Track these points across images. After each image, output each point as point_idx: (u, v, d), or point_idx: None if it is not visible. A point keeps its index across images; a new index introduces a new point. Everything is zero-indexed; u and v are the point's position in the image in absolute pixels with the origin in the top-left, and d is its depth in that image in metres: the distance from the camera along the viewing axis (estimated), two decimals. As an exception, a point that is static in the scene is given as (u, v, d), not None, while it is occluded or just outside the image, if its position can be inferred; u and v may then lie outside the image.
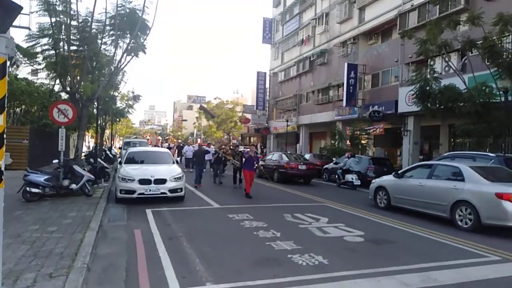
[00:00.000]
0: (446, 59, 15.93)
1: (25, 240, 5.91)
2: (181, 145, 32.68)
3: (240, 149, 17.52)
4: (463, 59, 17.43)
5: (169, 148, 28.97)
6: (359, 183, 16.05)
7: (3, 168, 3.21)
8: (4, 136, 3.18)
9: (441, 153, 19.48)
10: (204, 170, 16.74)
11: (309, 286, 4.56)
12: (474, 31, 14.61)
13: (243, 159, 13.25)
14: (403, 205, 10.14)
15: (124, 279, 4.73)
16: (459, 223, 8.38)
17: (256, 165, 12.75)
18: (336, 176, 17.40)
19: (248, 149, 13.95)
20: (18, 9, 3.05)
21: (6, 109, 3.19)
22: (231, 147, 19.50)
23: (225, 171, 17.02)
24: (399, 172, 10.92)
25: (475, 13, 14.00)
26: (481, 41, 13.85)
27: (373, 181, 11.93)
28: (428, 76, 15.42)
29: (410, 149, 21.85)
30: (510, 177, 8.82)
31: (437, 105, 15.10)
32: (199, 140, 68.37)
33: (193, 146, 27.77)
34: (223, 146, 18.54)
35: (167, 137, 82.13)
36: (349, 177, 16.40)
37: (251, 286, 4.53)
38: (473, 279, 5.04)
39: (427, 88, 14.98)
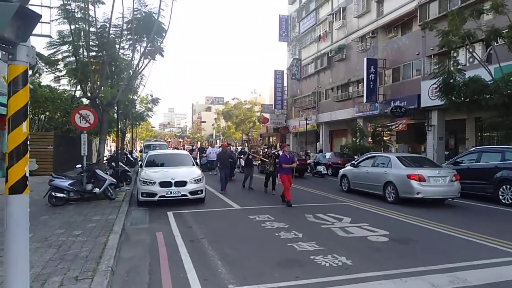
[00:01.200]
0: (470, 50, 15.45)
1: (51, 244, 6.03)
2: (204, 146, 32.71)
3: (273, 151, 15.12)
4: (488, 49, 16.84)
5: (191, 150, 28.91)
6: (327, 173, 20.74)
7: (27, 174, 3.25)
8: (28, 142, 3.23)
9: (468, 147, 18.89)
10: (233, 176, 16.36)
11: (332, 287, 4.45)
12: (498, 20, 14.12)
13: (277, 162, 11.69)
14: (358, 188, 13.06)
15: (147, 282, 4.75)
16: (388, 198, 11.25)
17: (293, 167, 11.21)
18: (309, 169, 21.83)
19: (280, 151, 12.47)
20: (37, 17, 3.08)
21: (29, 116, 3.24)
22: (265, 148, 16.71)
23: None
24: (355, 162, 14.16)
25: (498, 1, 13.49)
26: (506, 30, 13.36)
27: (340, 170, 15.09)
28: (452, 68, 14.98)
29: (434, 144, 21.29)
30: (428, 164, 11.69)
31: (462, 98, 14.67)
32: (218, 142, 68.59)
33: (216, 148, 27.64)
34: (256, 147, 16.62)
35: (193, 140, 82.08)
36: (319, 168, 20.67)
37: (273, 288, 4.46)
38: (504, 279, 4.82)
39: (451, 80, 14.56)
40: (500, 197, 10.91)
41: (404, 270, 5.08)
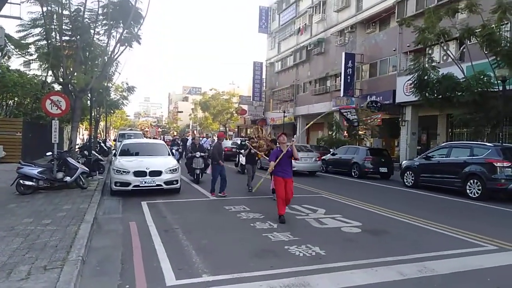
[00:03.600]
0: (445, 47, 15.87)
1: (19, 233, 5.82)
2: (183, 138, 30.03)
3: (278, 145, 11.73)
4: (462, 48, 17.37)
5: (174, 141, 26.98)
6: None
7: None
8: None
9: (439, 143, 19.50)
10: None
11: (306, 277, 4.51)
12: (472, 19, 14.53)
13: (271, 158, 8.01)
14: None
15: (119, 272, 4.66)
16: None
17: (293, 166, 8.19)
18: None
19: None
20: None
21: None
22: (268, 140, 12.06)
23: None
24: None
25: (473, 0, 13.87)
26: (479, 29, 13.76)
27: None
28: (426, 65, 15.37)
29: (408, 139, 21.86)
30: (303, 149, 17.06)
31: (435, 95, 15.09)
32: (196, 133, 67.66)
33: (209, 139, 25.68)
34: (256, 139, 12.24)
35: (186, 131, 77.26)
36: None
37: (248, 277, 4.47)
38: (469, 268, 5.02)
39: (425, 77, 14.94)
40: (468, 191, 11.34)
41: (375, 260, 5.20)
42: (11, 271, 4.27)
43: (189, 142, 22.61)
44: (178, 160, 14.97)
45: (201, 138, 23.50)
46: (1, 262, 4.49)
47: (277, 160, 7.48)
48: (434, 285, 4.42)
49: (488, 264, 5.19)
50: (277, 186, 7.54)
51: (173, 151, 18.61)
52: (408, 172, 13.98)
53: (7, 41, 13.47)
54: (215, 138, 30.53)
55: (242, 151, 15.23)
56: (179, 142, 26.03)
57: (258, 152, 11.53)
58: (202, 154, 13.17)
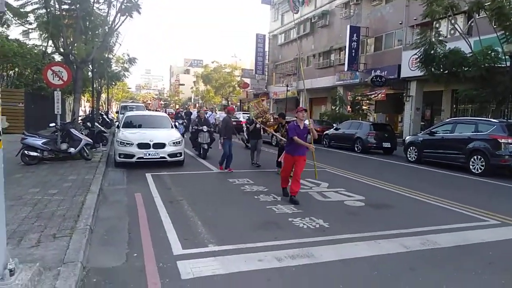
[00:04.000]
0: (452, 21, 15.48)
1: (26, 202, 5.89)
2: (187, 111, 28.58)
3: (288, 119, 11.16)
4: (470, 22, 16.97)
5: (178, 112, 26.11)
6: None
7: (0, 129, 3.09)
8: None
9: (443, 119, 19.39)
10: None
11: (310, 248, 4.58)
12: (483, -8, 14.07)
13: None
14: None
15: (127, 241, 4.74)
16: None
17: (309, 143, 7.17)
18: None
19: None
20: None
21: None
22: (274, 116, 11.95)
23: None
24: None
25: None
26: (489, 3, 13.37)
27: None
28: (433, 39, 15.04)
29: (411, 115, 21.74)
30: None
31: (441, 70, 14.86)
32: (195, 106, 67.19)
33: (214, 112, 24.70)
34: (262, 114, 11.54)
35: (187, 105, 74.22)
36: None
37: (253, 248, 4.55)
38: (472, 242, 5.09)
39: (432, 51, 14.66)
40: (471, 166, 11.36)
41: (378, 233, 5.27)
42: (21, 239, 4.35)
43: (193, 116, 21.98)
44: (183, 134, 14.85)
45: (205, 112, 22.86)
46: (11, 230, 4.56)
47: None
48: (437, 258, 4.49)
49: (490, 238, 5.26)
50: (285, 162, 7.32)
51: (177, 124, 17.74)
52: (411, 148, 13.96)
53: (5, 9, 13.15)
54: (217, 112, 29.88)
55: (248, 125, 13.69)
56: (183, 115, 24.87)
57: (266, 127, 10.95)
58: (208, 128, 12.61)
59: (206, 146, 12.47)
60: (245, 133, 15.67)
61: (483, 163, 11.03)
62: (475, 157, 11.30)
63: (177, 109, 39.59)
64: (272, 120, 11.39)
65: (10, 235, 4.40)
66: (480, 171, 11.09)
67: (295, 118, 7.26)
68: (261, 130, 11.40)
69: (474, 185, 9.91)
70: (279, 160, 8.20)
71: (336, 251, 4.55)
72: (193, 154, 13.42)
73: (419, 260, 4.41)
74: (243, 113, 28.56)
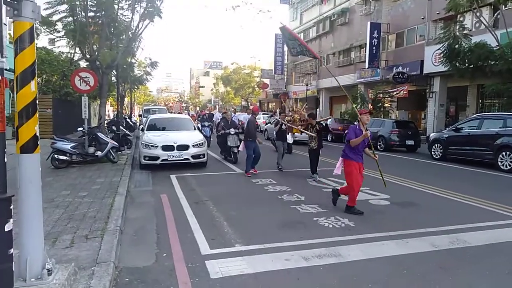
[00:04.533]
0: (477, 14, 15.05)
1: (58, 205, 6.12)
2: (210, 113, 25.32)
3: (318, 119, 10.66)
4: (496, 14, 16.44)
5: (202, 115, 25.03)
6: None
7: (38, 134, 3.25)
8: (37, 102, 3.19)
9: (468, 115, 18.88)
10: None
11: (337, 247, 4.58)
12: (509, -17, 13.65)
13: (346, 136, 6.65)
14: None
15: (155, 241, 4.86)
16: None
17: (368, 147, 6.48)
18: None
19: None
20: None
21: (36, 75, 3.18)
22: (303, 114, 10.41)
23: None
24: None
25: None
26: (517, -7, 12.95)
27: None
28: (458, 33, 14.68)
29: (435, 111, 21.25)
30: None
31: (466, 64, 14.48)
32: (217, 108, 67.61)
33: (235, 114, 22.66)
34: (291, 114, 10.69)
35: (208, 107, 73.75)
36: None
37: (279, 247, 4.58)
38: (502, 240, 4.96)
39: (456, 46, 14.33)
40: (499, 163, 11.03)
41: (405, 231, 5.21)
42: (56, 240, 4.53)
43: (215, 117, 21.18)
44: (209, 137, 14.55)
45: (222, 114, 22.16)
46: (46, 232, 4.74)
47: (358, 139, 6.10)
48: (467, 257, 4.40)
49: (522, 237, 5.11)
50: (353, 172, 6.13)
51: (202, 127, 16.21)
52: (436, 145, 13.67)
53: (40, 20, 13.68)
54: (237, 113, 29.13)
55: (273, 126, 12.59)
56: (207, 118, 23.90)
57: (294, 127, 10.19)
58: (236, 130, 11.83)
59: (236, 150, 11.57)
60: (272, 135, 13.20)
61: (513, 160, 10.68)
62: (504, 153, 10.96)
63: (201, 111, 37.35)
64: (299, 120, 10.26)
65: (45, 236, 4.55)
66: (509, 167, 10.75)
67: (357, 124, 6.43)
68: (286, 129, 10.76)
69: (503, 182, 9.62)
70: (335, 173, 6.74)
71: (363, 250, 4.53)
72: (217, 157, 13.17)
73: (449, 259, 4.34)
74: (262, 114, 28.60)
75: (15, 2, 2.95)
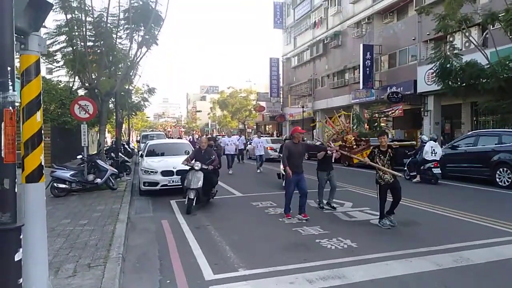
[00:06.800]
0: (467, 34, 15.50)
1: (60, 233, 6.09)
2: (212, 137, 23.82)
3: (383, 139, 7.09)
4: (485, 34, 16.92)
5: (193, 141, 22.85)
6: None
7: (43, 163, 3.29)
8: (42, 132, 3.26)
9: (463, 132, 19.07)
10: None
11: (341, 269, 4.57)
12: (495, 3, 14.17)
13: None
14: None
15: (158, 268, 4.84)
16: None
17: None
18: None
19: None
20: (49, 6, 3.09)
21: (42, 105, 3.26)
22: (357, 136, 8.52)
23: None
24: None
25: (496, -15, 13.51)
26: (503, 13, 13.38)
27: None
28: (448, 53, 15.05)
29: (431, 129, 21.45)
30: None
31: (459, 83, 14.78)
32: (214, 131, 67.70)
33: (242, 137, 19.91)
34: (344, 133, 8.30)
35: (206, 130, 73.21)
36: None
37: (283, 271, 4.57)
38: (505, 257, 4.97)
39: (448, 65, 14.65)
40: (497, 179, 11.09)
41: (408, 251, 5.22)
42: (58, 269, 4.51)
43: (224, 142, 17.93)
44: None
45: (220, 137, 20.65)
46: (48, 261, 4.71)
47: None
48: (471, 275, 4.41)
49: (525, 253, 5.12)
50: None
51: None
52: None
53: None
54: (252, 137, 23.20)
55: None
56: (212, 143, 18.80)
57: (349, 154, 7.56)
58: (205, 167, 8.32)
59: (192, 195, 8.04)
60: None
61: (510, 175, 10.76)
62: (501, 169, 11.05)
63: (206, 135, 33.33)
64: (354, 142, 7.85)
65: (48, 265, 4.56)
66: (507, 183, 10.80)
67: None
68: (332, 155, 8.02)
69: (502, 198, 9.66)
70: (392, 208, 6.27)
71: (367, 271, 4.52)
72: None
73: (453, 277, 4.34)
74: (265, 136, 28.61)
75: (22, 36, 3.07)
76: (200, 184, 8.08)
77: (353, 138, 7.74)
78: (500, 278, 4.32)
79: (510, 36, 13.68)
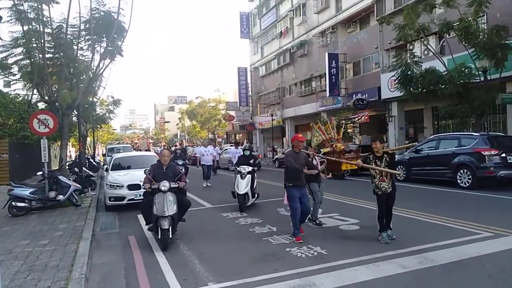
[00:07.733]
0: (425, 42, 16.16)
1: (17, 256, 5.75)
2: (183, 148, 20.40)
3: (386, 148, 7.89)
4: (441, 42, 17.73)
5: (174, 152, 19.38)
6: None
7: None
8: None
9: (426, 136, 19.79)
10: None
11: (310, 277, 4.56)
12: (450, 13, 14.84)
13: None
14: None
15: (124, 287, 4.64)
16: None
17: None
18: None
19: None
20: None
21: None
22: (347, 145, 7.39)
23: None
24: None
25: (449, -5, 14.18)
26: (457, 23, 14.06)
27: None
28: (409, 61, 15.62)
29: (396, 134, 22.15)
30: None
31: (420, 89, 15.33)
32: (184, 142, 66.87)
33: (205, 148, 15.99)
34: (329, 141, 7.51)
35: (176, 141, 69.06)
36: None
37: (253, 282, 4.51)
38: (468, 256, 5.14)
39: (409, 72, 15.18)
40: (458, 181, 11.57)
41: (376, 255, 5.29)
42: (15, 295, 4.23)
43: (200, 152, 16.04)
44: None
45: (190, 147, 19.69)
46: (4, 286, 4.43)
47: None
48: (435, 275, 4.52)
49: (485, 251, 5.32)
50: None
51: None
52: (399, 166, 14.15)
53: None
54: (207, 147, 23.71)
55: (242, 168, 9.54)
56: (181, 153, 16.07)
57: (343, 161, 6.89)
58: (174, 185, 6.41)
59: (167, 224, 6.11)
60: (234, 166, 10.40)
61: (470, 177, 11.25)
62: (462, 171, 11.54)
63: (174, 146, 29.49)
64: (343, 150, 7.26)
65: (3, 291, 4.28)
66: (467, 184, 11.28)
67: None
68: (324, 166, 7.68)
69: (463, 198, 10.07)
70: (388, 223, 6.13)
71: (336, 277, 4.54)
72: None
73: (419, 279, 4.43)
74: (230, 145, 28.52)
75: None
76: (175, 209, 6.27)
77: (343, 147, 7.28)
78: (463, 277, 4.46)
79: (465, 44, 14.39)
